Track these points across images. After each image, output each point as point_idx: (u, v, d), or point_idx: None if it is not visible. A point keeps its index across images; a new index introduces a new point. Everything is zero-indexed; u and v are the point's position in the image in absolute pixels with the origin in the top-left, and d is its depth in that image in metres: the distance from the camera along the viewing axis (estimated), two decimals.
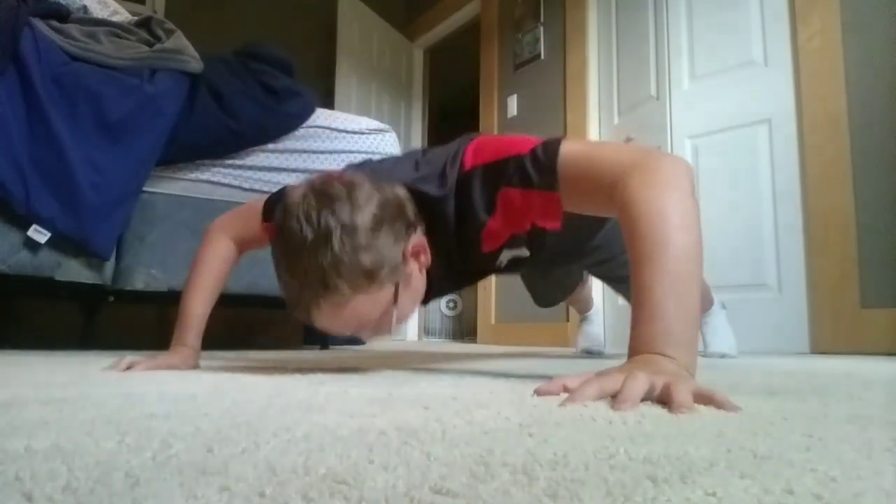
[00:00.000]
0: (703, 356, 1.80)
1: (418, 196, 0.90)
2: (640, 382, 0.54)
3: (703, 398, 0.52)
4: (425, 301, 1.09)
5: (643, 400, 0.54)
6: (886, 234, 1.87)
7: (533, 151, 0.83)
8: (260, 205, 1.15)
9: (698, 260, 0.71)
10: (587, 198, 0.84)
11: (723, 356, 1.75)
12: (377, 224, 0.80)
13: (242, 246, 1.20)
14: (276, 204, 1.09)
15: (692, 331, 0.66)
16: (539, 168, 0.83)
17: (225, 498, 0.26)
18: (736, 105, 2.34)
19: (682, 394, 0.51)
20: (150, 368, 1.03)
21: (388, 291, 0.84)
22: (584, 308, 2.10)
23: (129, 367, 1.02)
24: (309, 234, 0.77)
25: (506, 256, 1.06)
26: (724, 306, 1.85)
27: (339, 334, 0.89)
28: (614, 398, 0.54)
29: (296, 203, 0.80)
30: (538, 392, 0.61)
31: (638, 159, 0.78)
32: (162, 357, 1.07)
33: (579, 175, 0.81)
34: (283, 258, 0.81)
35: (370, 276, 0.80)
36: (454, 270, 1.02)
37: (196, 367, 1.10)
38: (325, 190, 0.81)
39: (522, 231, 0.97)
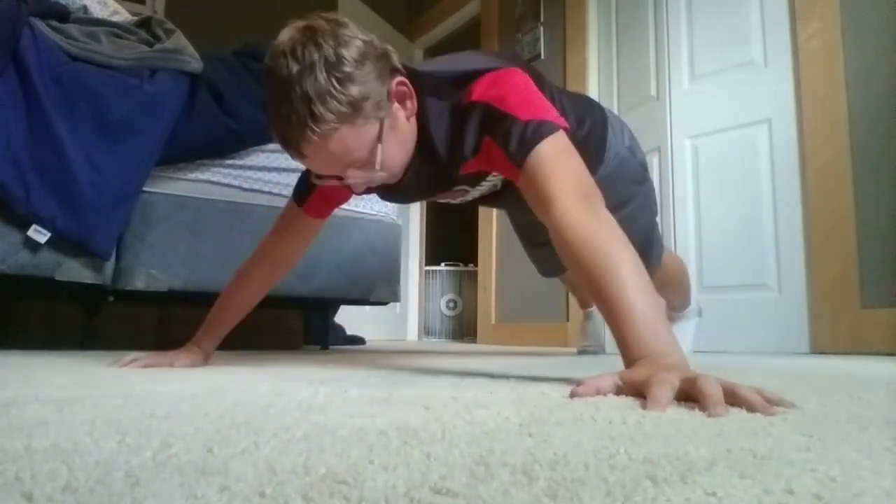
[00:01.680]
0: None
1: (420, 78, 0.93)
2: (669, 386, 0.56)
3: (729, 393, 0.53)
4: (404, 198, 1.18)
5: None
6: (886, 234, 1.87)
7: (528, 123, 0.87)
8: (288, 204, 1.19)
9: (644, 270, 0.75)
10: (531, 194, 0.88)
11: None
12: (361, 57, 0.82)
13: (293, 249, 1.21)
14: (303, 185, 1.14)
15: (670, 328, 0.70)
16: (520, 143, 0.86)
17: (225, 498, 0.26)
18: (736, 105, 2.34)
19: (714, 388, 0.53)
20: (151, 365, 1.06)
21: (373, 127, 0.86)
22: (586, 302, 2.06)
23: (131, 363, 1.06)
24: (294, 67, 0.79)
25: (483, 183, 1.13)
26: (700, 314, 1.89)
27: (328, 180, 0.91)
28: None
29: (282, 41, 0.82)
30: (574, 394, 0.61)
31: (580, 190, 0.83)
32: (167, 355, 1.11)
33: (535, 174, 0.86)
34: (271, 96, 0.82)
35: (355, 107, 0.81)
36: (434, 172, 1.04)
37: (196, 365, 1.13)
38: (310, 25, 0.83)
39: (490, 171, 1.04)
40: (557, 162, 0.86)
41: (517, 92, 0.92)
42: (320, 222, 1.20)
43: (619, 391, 0.61)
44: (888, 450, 0.36)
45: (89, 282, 1.68)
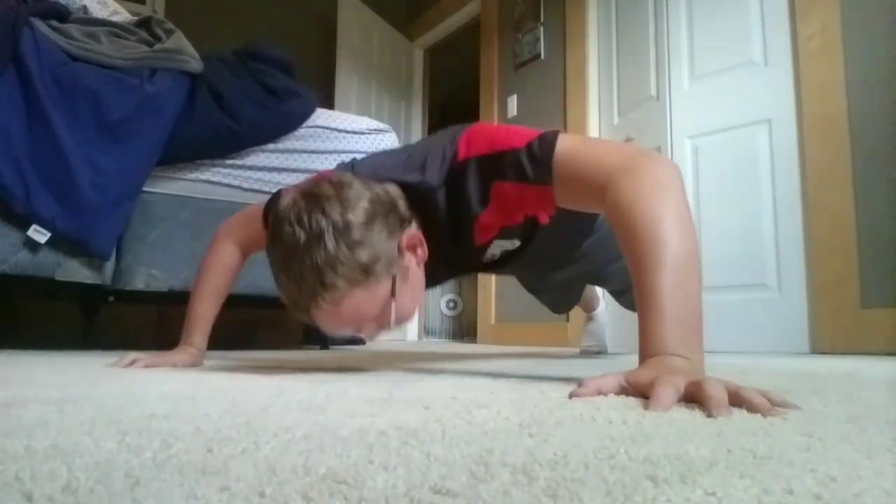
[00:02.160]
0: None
1: (410, 189, 0.91)
2: (673, 388, 0.55)
3: (734, 395, 0.53)
4: (430, 285, 1.10)
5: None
6: (886, 234, 1.87)
7: (529, 145, 0.84)
8: (259, 209, 1.16)
9: (696, 260, 0.72)
10: (579, 195, 0.85)
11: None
12: (369, 219, 0.81)
13: (247, 249, 1.22)
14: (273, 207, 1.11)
15: (699, 330, 0.67)
16: (534, 162, 0.83)
17: (225, 498, 0.26)
18: (736, 105, 2.34)
19: (718, 391, 0.52)
20: (152, 365, 1.06)
21: (385, 286, 0.84)
22: (589, 307, 2.09)
23: (131, 364, 1.05)
24: (301, 235, 0.78)
25: (497, 248, 1.08)
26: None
27: (341, 333, 0.89)
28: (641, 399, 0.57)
29: (286, 207, 0.81)
30: (575, 395, 0.61)
31: (629, 160, 0.79)
32: (167, 355, 1.10)
33: (572, 172, 0.83)
34: (278, 263, 0.82)
35: (366, 271, 0.80)
36: (449, 262, 1.03)
37: (198, 365, 1.13)
38: (313, 192, 0.82)
39: (515, 223, 0.98)
40: (581, 153, 0.83)
41: (495, 132, 0.90)
42: None
43: (623, 391, 0.61)
44: (888, 450, 0.36)
45: (89, 282, 1.68)
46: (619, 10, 2.95)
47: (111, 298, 1.94)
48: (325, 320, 0.83)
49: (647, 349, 0.65)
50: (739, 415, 0.50)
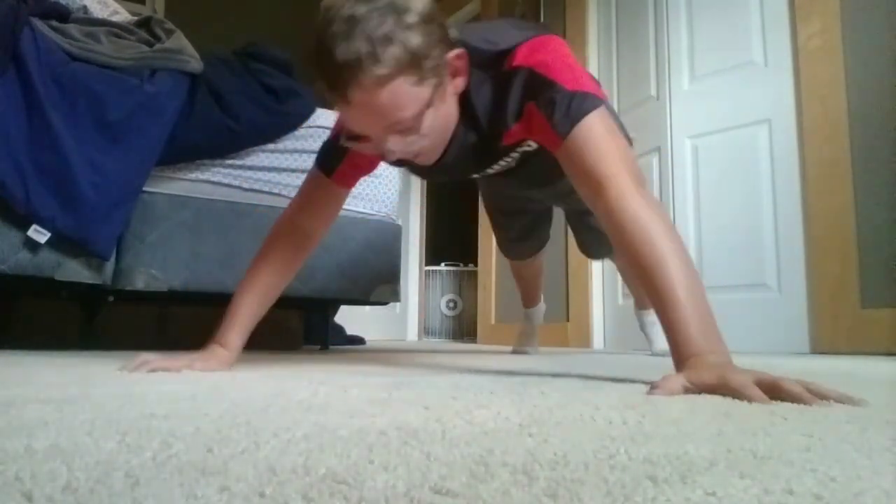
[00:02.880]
0: (650, 355, 1.86)
1: (472, 55, 0.91)
2: (754, 386, 0.59)
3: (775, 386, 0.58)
4: (437, 175, 1.14)
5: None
6: (886, 234, 1.87)
7: (573, 93, 0.86)
8: (312, 173, 1.12)
9: (692, 263, 0.77)
10: (574, 170, 0.87)
11: (668, 354, 1.81)
12: (429, 14, 0.80)
13: (320, 222, 1.13)
14: (330, 152, 1.08)
15: (717, 326, 0.72)
16: (566, 112, 0.85)
17: (225, 498, 0.26)
18: (736, 105, 2.34)
19: (796, 386, 0.57)
20: (166, 368, 0.92)
21: (426, 90, 0.81)
22: (531, 301, 2.11)
23: (142, 366, 0.92)
24: (360, 7, 0.75)
25: (517, 152, 1.10)
26: None
27: (368, 131, 0.85)
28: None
29: None
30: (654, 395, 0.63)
31: (636, 176, 0.83)
32: (187, 356, 0.98)
33: (582, 149, 0.84)
34: (324, 36, 0.76)
35: (415, 61, 0.77)
36: (476, 147, 1.01)
37: (227, 369, 1.00)
38: None
39: (533, 139, 1.02)
40: (605, 140, 0.84)
41: (559, 58, 0.91)
42: (347, 192, 1.14)
43: (688, 392, 0.64)
44: (888, 450, 0.36)
45: (89, 282, 1.68)
46: (619, 11, 2.95)
47: (111, 298, 1.94)
48: (360, 107, 0.79)
49: (684, 351, 0.69)
50: (740, 415, 0.50)
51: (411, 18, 0.77)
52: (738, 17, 2.37)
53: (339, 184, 1.11)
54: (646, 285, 0.76)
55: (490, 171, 1.19)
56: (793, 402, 0.55)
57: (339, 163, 1.08)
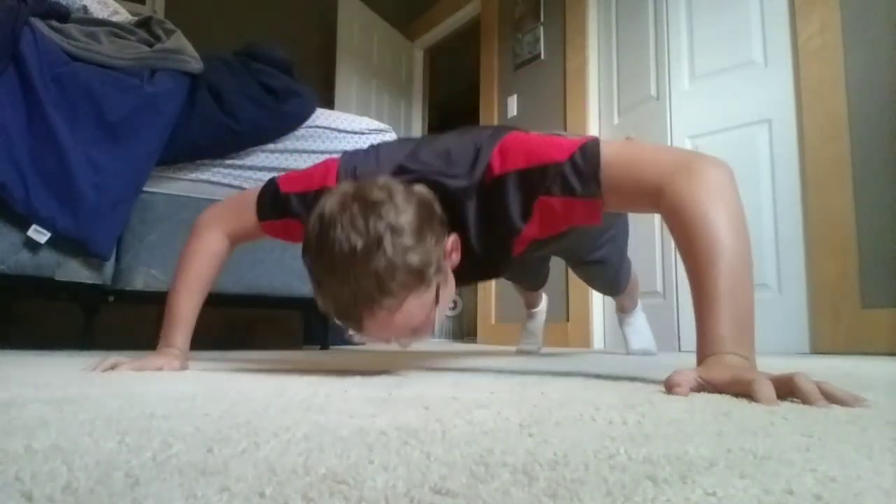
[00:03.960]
0: (627, 354, 1.90)
1: (441, 190, 0.89)
2: (768, 384, 0.58)
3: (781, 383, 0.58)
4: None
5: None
6: (886, 234, 1.87)
7: (572, 158, 0.83)
8: (251, 198, 1.11)
9: (750, 262, 0.75)
10: (630, 201, 0.85)
11: (645, 353, 1.94)
12: (421, 224, 0.79)
13: (236, 240, 1.16)
14: (270, 202, 1.07)
15: (752, 330, 0.71)
16: (581, 176, 0.83)
17: (225, 498, 0.26)
18: (736, 105, 2.34)
19: (809, 383, 0.56)
20: (135, 370, 0.99)
21: (432, 292, 0.83)
22: (533, 303, 2.16)
23: (112, 368, 0.98)
24: (358, 242, 0.75)
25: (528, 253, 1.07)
26: (641, 308, 2.03)
27: (384, 341, 0.87)
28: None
29: (335, 211, 0.77)
30: (674, 392, 0.63)
31: (685, 162, 0.81)
32: (147, 358, 1.03)
33: (622, 181, 0.83)
34: (330, 269, 0.77)
35: (420, 277, 0.78)
36: (471, 268, 1.00)
37: (183, 368, 1.05)
38: (366, 196, 0.78)
39: (556, 234, 0.96)
40: (631, 158, 0.83)
41: (530, 144, 0.89)
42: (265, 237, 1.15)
43: (700, 388, 0.64)
44: (888, 450, 0.36)
45: (89, 282, 1.68)
46: (619, 11, 2.94)
47: (111, 298, 1.94)
48: (375, 328, 0.81)
49: (707, 348, 0.69)
50: (740, 414, 0.50)
51: (408, 240, 0.77)
52: (738, 17, 2.37)
53: (265, 231, 1.12)
54: (691, 279, 0.75)
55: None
56: (803, 400, 0.55)
57: (274, 219, 1.08)
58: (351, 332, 0.86)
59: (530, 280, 1.89)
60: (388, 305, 0.77)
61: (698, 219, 0.75)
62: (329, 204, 0.79)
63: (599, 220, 0.88)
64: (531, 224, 0.90)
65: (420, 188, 0.86)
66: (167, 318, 1.10)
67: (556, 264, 3.01)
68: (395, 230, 0.76)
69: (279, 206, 1.06)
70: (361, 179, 0.86)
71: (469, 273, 1.00)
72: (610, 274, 1.66)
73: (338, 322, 0.82)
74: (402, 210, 0.78)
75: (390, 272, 0.75)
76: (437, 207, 0.86)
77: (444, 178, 0.90)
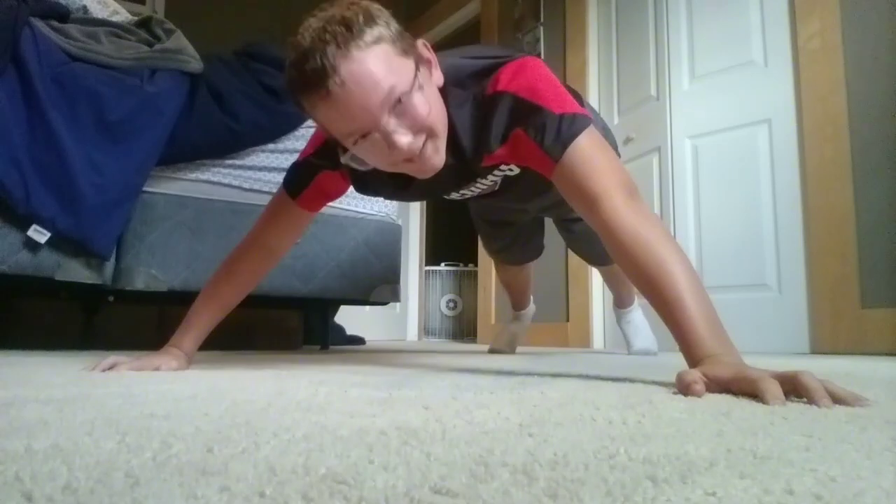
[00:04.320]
0: (628, 355, 1.89)
1: (452, 75, 0.92)
2: (774, 382, 0.58)
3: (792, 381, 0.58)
4: (413, 195, 1.15)
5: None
6: (886, 234, 1.87)
7: (562, 116, 0.87)
8: (278, 196, 1.15)
9: (693, 268, 0.79)
10: (571, 190, 0.89)
11: (646, 353, 1.94)
12: (387, 23, 0.82)
13: (281, 239, 1.17)
14: (295, 177, 1.11)
15: (725, 330, 0.73)
16: (556, 136, 0.87)
17: (225, 498, 0.26)
18: (736, 105, 2.34)
19: (814, 381, 0.56)
20: (133, 369, 0.99)
21: (409, 66, 0.83)
22: (520, 304, 2.15)
23: (111, 368, 0.99)
24: (328, 21, 0.78)
25: (498, 175, 1.11)
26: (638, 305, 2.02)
27: (365, 118, 0.80)
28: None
29: (315, 31, 0.79)
30: (691, 393, 0.63)
31: (630, 187, 0.85)
32: (146, 358, 1.03)
33: (578, 168, 0.86)
34: (298, 46, 0.79)
35: (397, 37, 0.81)
36: (456, 165, 1.00)
37: (181, 368, 1.05)
38: (342, 15, 0.80)
39: (518, 164, 1.04)
40: (596, 158, 0.87)
41: (544, 81, 0.92)
42: (312, 215, 1.16)
43: (707, 388, 0.64)
44: (888, 450, 0.36)
45: (89, 282, 1.68)
46: (619, 11, 2.94)
47: (111, 298, 1.94)
48: (348, 87, 0.77)
49: (697, 353, 0.70)
50: (740, 414, 0.50)
51: (383, 18, 0.82)
52: (738, 17, 2.37)
53: (303, 207, 1.13)
54: (651, 293, 0.77)
55: (469, 193, 1.19)
56: (807, 397, 0.55)
57: (306, 187, 1.10)
58: (343, 156, 0.87)
59: (522, 241, 1.84)
60: (362, 41, 0.77)
61: (639, 236, 0.79)
62: (307, 27, 0.80)
63: (546, 178, 0.91)
64: (503, 148, 0.94)
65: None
66: (186, 319, 1.12)
67: (554, 261, 3.02)
68: (362, 15, 0.79)
69: (303, 171, 1.10)
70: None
71: (451, 170, 0.99)
72: (594, 236, 1.64)
73: (308, 95, 0.80)
74: (380, 23, 0.81)
75: (370, 15, 0.79)
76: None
77: (461, 59, 0.94)
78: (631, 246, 0.79)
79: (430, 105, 0.85)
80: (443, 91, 0.91)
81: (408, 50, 0.83)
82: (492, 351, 2.14)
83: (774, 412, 0.51)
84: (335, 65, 0.76)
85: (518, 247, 1.86)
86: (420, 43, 0.88)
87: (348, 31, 0.77)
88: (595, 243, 1.66)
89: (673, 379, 0.68)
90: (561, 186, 0.90)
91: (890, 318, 1.82)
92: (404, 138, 0.83)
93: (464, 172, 1.05)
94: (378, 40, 0.79)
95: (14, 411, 0.51)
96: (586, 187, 0.85)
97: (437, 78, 0.91)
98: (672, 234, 2.46)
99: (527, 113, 0.89)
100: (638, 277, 0.79)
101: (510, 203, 1.50)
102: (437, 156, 0.89)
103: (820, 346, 2.00)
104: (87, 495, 0.27)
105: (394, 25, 0.83)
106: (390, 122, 0.81)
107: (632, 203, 0.83)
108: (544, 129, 0.87)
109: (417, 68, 0.84)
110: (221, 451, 0.35)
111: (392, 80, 0.79)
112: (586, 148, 0.87)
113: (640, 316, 2.01)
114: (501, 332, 2.20)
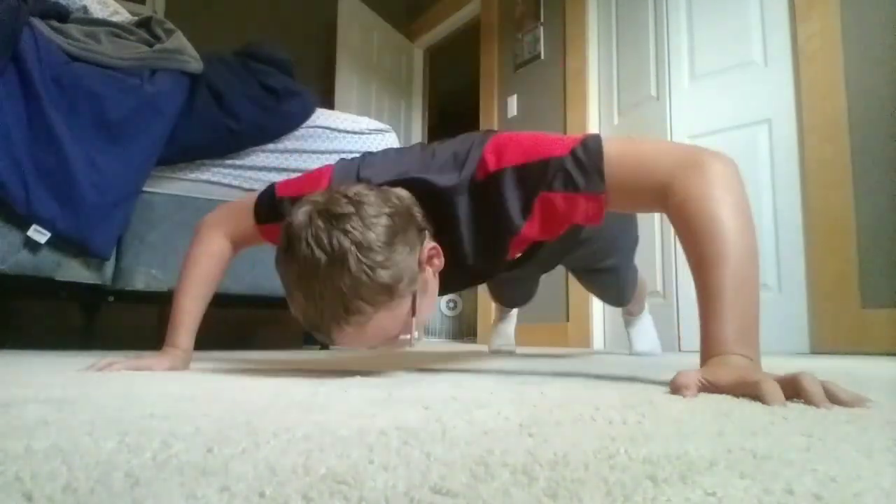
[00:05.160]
0: (630, 355, 1.90)
1: (427, 190, 0.87)
2: (775, 385, 0.57)
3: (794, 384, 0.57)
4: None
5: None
6: (886, 234, 1.87)
7: (573, 152, 0.81)
8: (250, 203, 1.10)
9: (756, 261, 0.73)
10: (634, 198, 0.83)
11: (647, 355, 1.93)
12: (391, 237, 0.77)
13: (238, 244, 1.16)
14: (267, 205, 1.07)
15: (757, 330, 0.69)
16: (583, 170, 0.80)
17: (225, 498, 0.26)
18: (736, 105, 2.34)
19: (815, 384, 0.55)
20: (130, 369, 0.99)
21: (407, 303, 0.81)
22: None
23: (108, 367, 0.99)
24: (322, 257, 0.73)
25: (524, 258, 1.05)
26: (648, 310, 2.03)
27: (359, 348, 0.87)
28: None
29: (302, 225, 0.76)
30: (684, 394, 0.61)
31: (690, 157, 0.79)
32: (147, 358, 1.03)
33: (626, 176, 0.80)
34: (296, 283, 0.77)
35: (390, 292, 0.77)
36: (461, 271, 0.97)
37: (174, 368, 1.05)
38: (331, 210, 0.76)
39: (557, 234, 0.92)
40: (634, 153, 0.81)
41: (525, 140, 0.86)
42: (264, 241, 1.14)
43: (703, 389, 0.63)
44: (888, 450, 0.36)
45: (89, 282, 1.68)
46: (619, 10, 2.94)
47: (111, 298, 1.94)
48: (346, 340, 0.80)
49: (711, 349, 0.68)
50: (740, 414, 0.50)
51: (375, 256, 0.75)
52: (738, 17, 2.37)
53: (263, 236, 1.10)
54: (696, 277, 0.73)
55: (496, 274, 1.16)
56: (807, 400, 0.55)
57: (273, 223, 1.06)
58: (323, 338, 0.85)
59: (519, 293, 1.87)
60: (356, 321, 0.76)
61: (706, 217, 0.73)
62: (296, 216, 0.77)
63: (600, 219, 0.84)
64: (531, 222, 0.86)
65: (400, 191, 0.84)
66: (172, 319, 1.11)
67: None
68: (360, 246, 0.74)
69: (274, 209, 1.05)
70: (334, 186, 0.84)
71: (460, 276, 0.98)
72: (618, 283, 1.64)
73: (314, 335, 0.82)
74: (369, 224, 0.76)
75: (354, 290, 0.74)
76: (418, 212, 0.84)
77: (431, 175, 0.88)
78: (692, 224, 0.74)
79: (419, 318, 0.85)
80: (425, 205, 0.87)
81: (406, 288, 0.79)
82: (494, 352, 2.15)
83: (774, 412, 0.51)
84: (331, 333, 0.79)
85: (520, 294, 1.89)
86: (426, 251, 0.84)
87: (345, 310, 0.75)
88: (615, 286, 1.66)
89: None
90: (623, 205, 0.85)
91: (890, 318, 1.82)
92: (391, 346, 0.87)
93: (485, 268, 1.00)
94: (372, 312, 0.76)
95: (14, 411, 0.51)
96: (648, 186, 0.79)
97: (439, 264, 0.88)
98: (667, 233, 2.45)
99: (540, 174, 0.82)
100: (691, 259, 0.75)
101: (532, 269, 1.47)
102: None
103: (820, 346, 2.00)
104: (87, 495, 0.27)
105: (390, 267, 0.76)
106: (379, 344, 0.85)
107: (696, 175, 0.76)
108: (569, 173, 0.81)
109: (415, 295, 0.82)
110: (221, 451, 0.35)
111: (390, 333, 0.82)
112: (619, 153, 0.81)
113: (647, 321, 2.00)
114: (497, 334, 2.20)
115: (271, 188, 1.08)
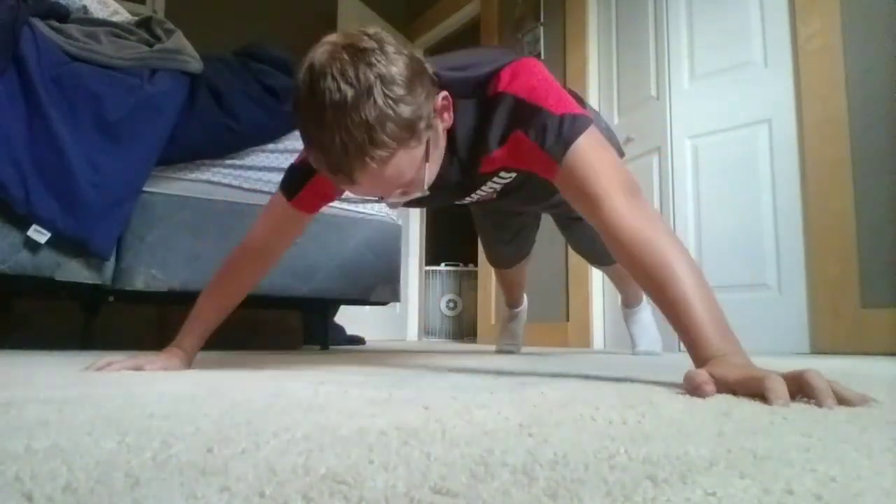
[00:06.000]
0: (632, 355, 1.90)
1: (448, 85, 0.90)
2: (781, 382, 0.58)
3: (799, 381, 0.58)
4: (415, 204, 1.13)
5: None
6: (886, 234, 1.87)
7: (563, 117, 0.87)
8: (275, 197, 1.13)
9: (701, 272, 0.78)
10: (574, 192, 0.88)
11: (649, 354, 1.93)
12: (411, 76, 0.77)
13: (278, 240, 1.16)
14: (292, 178, 1.10)
15: (731, 330, 0.72)
16: (557, 137, 0.86)
17: (225, 498, 0.26)
18: (736, 105, 2.34)
19: (821, 380, 0.56)
20: (128, 368, 1.00)
21: (422, 148, 0.82)
22: (514, 303, 2.17)
23: (107, 367, 1.00)
24: (349, 92, 0.73)
25: (497, 182, 1.12)
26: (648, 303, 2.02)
27: (374, 197, 0.88)
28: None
29: (325, 60, 0.75)
30: (703, 394, 0.61)
31: (632, 185, 0.85)
32: (140, 357, 1.04)
33: (579, 169, 0.86)
34: (319, 122, 0.75)
35: (411, 129, 0.77)
36: (457, 175, 1.01)
37: (166, 368, 1.04)
38: (355, 44, 0.76)
39: (518, 169, 1.03)
40: (597, 158, 0.86)
41: (543, 82, 0.91)
42: (309, 217, 1.16)
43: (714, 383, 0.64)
44: (888, 450, 0.36)
45: (89, 282, 1.68)
46: (619, 10, 2.94)
47: (111, 298, 1.94)
48: (366, 181, 0.79)
49: (704, 354, 0.70)
50: (740, 414, 0.50)
51: (399, 90, 0.75)
52: (738, 17, 2.37)
53: (299, 209, 1.12)
54: (655, 293, 0.77)
55: (471, 198, 1.20)
56: (813, 397, 0.55)
57: (301, 189, 1.09)
58: (342, 186, 0.87)
59: (509, 249, 1.87)
60: (379, 157, 0.76)
61: (641, 236, 0.79)
62: (318, 54, 0.76)
63: (552, 178, 0.90)
64: (501, 150, 0.94)
65: (415, 53, 0.85)
66: (189, 319, 1.13)
67: (554, 261, 3.02)
68: (385, 80, 0.74)
69: (299, 173, 1.09)
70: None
71: (447, 179, 1.00)
72: (595, 235, 1.66)
73: (329, 176, 0.81)
74: (392, 60, 0.76)
75: (381, 122, 0.74)
76: (431, 71, 0.86)
77: (451, 72, 0.92)
78: (633, 246, 0.79)
79: (435, 164, 0.87)
80: (452, 103, 0.90)
81: (423, 130, 0.80)
82: (499, 351, 2.15)
83: (774, 412, 0.51)
84: (354, 172, 0.78)
85: (516, 244, 1.88)
86: (439, 103, 0.86)
87: (371, 143, 0.74)
88: (596, 242, 1.67)
89: (674, 379, 0.68)
90: (562, 187, 0.90)
91: (890, 318, 1.82)
92: (399, 199, 0.89)
93: (465, 178, 1.05)
94: (395, 148, 0.76)
95: (14, 411, 0.51)
96: (588, 188, 0.85)
97: (448, 120, 0.90)
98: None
99: (527, 114, 0.88)
100: (642, 278, 0.79)
101: (512, 207, 1.51)
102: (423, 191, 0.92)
103: (820, 346, 2.00)
104: (87, 495, 0.27)
105: (411, 103, 0.77)
106: (394, 194, 0.86)
107: (634, 203, 0.82)
108: (545, 130, 0.87)
109: (429, 142, 0.83)
110: (221, 451, 0.35)
111: (402, 180, 0.82)
112: (587, 149, 0.86)
113: (648, 315, 2.01)
114: (504, 333, 2.21)
115: (290, 167, 1.13)
